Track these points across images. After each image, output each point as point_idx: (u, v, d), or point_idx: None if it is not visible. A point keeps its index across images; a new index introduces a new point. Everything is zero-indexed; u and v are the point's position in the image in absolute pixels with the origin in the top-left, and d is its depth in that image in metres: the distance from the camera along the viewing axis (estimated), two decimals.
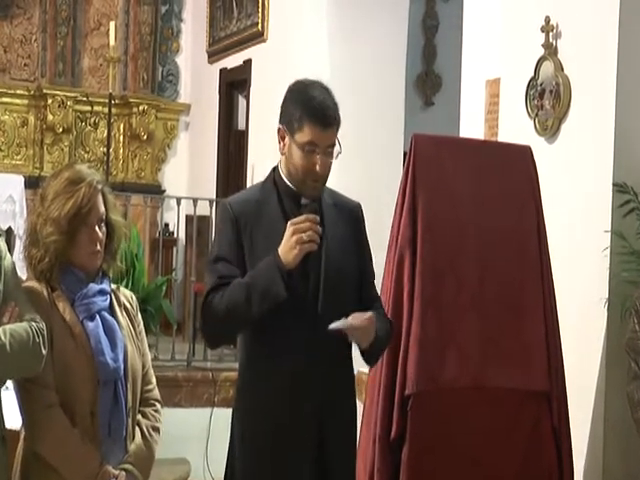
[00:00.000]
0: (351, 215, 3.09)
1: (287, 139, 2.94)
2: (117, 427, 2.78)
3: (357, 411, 3.13)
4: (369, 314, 2.90)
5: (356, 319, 2.87)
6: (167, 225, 9.04)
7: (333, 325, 2.84)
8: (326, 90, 2.96)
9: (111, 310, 2.86)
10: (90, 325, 2.77)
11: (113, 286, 2.92)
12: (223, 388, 6.75)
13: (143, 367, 2.90)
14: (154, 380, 2.97)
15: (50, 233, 2.74)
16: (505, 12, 5.22)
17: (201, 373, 6.88)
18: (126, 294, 2.98)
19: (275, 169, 3.04)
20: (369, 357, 3.09)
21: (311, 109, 2.88)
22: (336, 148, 2.94)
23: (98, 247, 2.80)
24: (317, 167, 2.89)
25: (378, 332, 2.97)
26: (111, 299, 2.88)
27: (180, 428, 6.05)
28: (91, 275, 2.82)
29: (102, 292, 2.84)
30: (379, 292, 3.27)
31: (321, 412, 2.92)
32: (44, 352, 2.64)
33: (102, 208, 2.81)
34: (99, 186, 2.81)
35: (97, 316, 2.80)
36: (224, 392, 6.72)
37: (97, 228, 2.79)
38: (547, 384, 3.91)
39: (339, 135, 2.95)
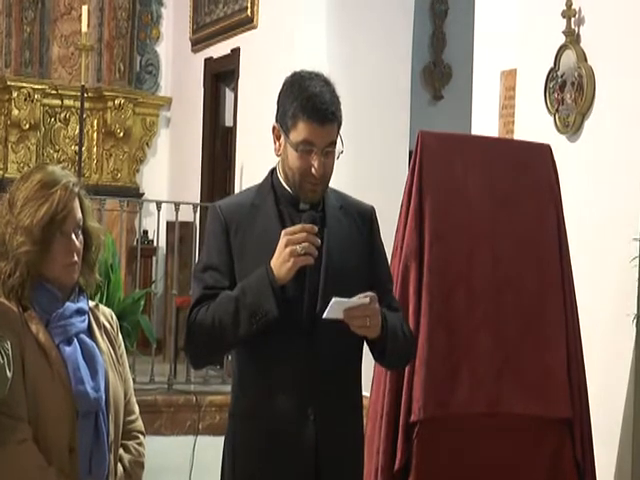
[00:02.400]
0: (362, 219, 3.05)
1: (282, 139, 2.93)
2: (98, 464, 2.73)
3: (363, 447, 3.11)
4: (369, 293, 2.81)
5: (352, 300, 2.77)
6: (146, 232, 9.04)
7: (327, 313, 2.77)
8: (326, 83, 2.91)
9: (90, 332, 2.81)
10: (67, 350, 2.72)
11: (91, 303, 2.87)
12: (208, 414, 6.75)
13: (125, 395, 2.87)
14: (137, 409, 2.94)
15: (21, 243, 2.69)
16: None
17: (184, 397, 6.88)
18: (105, 313, 2.93)
19: (273, 171, 3.02)
20: (381, 354, 2.96)
21: (305, 103, 2.84)
22: (338, 147, 2.90)
23: (75, 258, 2.75)
24: (313, 169, 2.86)
25: (389, 322, 2.90)
26: (89, 319, 2.83)
27: (160, 458, 6.01)
28: (67, 292, 2.77)
29: (80, 312, 2.78)
30: None
31: (320, 448, 2.90)
32: (9, 374, 2.59)
33: (79, 214, 2.77)
34: (75, 189, 2.76)
35: (75, 339, 2.75)
36: (209, 418, 6.72)
37: (74, 237, 2.74)
38: (569, 410, 3.91)
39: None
